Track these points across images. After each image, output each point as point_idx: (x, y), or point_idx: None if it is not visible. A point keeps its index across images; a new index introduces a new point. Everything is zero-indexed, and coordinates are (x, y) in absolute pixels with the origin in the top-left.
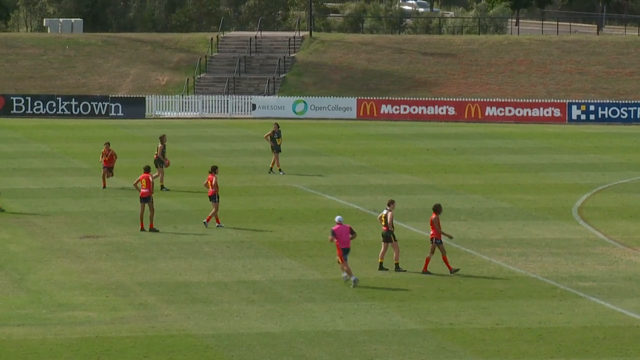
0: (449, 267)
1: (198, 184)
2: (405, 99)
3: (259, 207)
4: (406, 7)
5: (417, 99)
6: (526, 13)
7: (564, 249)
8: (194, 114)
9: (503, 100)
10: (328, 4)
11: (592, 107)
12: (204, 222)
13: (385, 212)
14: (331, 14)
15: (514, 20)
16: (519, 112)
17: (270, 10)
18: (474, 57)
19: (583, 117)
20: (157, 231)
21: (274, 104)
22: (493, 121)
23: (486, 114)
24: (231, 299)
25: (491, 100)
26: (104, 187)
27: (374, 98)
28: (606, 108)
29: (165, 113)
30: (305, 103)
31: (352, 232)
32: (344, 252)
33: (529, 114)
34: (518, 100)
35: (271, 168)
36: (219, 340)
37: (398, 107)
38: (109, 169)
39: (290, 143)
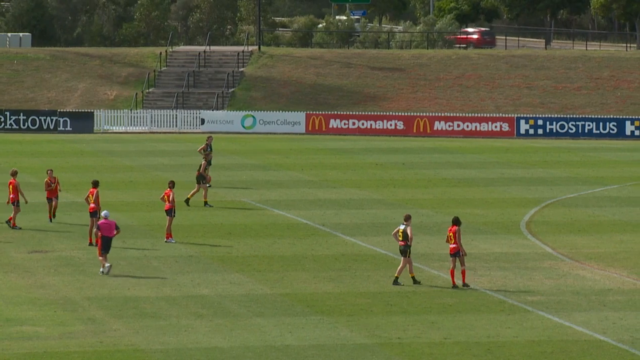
0: (454, 281)
1: (146, 198)
2: (354, 113)
3: (207, 221)
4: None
5: (366, 113)
6: (474, 27)
7: (512, 263)
8: (143, 128)
9: (451, 114)
10: (277, 18)
11: (540, 122)
12: (165, 241)
13: (402, 227)
14: (280, 29)
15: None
16: (467, 126)
17: (219, 25)
18: (423, 71)
19: (531, 131)
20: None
21: (223, 118)
22: (441, 135)
23: (435, 128)
24: (180, 314)
25: (440, 114)
26: (51, 220)
27: (323, 112)
28: (554, 122)
29: (114, 128)
30: (254, 117)
31: (117, 228)
32: (105, 245)
33: (478, 129)
34: (466, 115)
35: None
36: (167, 355)
37: (347, 122)
38: (50, 200)
39: (239, 158)
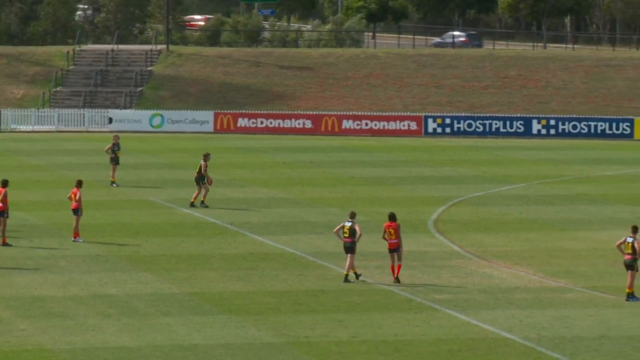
0: (395, 276)
1: (54, 197)
2: (263, 112)
3: (115, 220)
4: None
5: (274, 112)
6: (382, 27)
7: (420, 261)
8: (50, 127)
9: (360, 113)
10: (185, 17)
11: (447, 121)
12: (73, 240)
13: (348, 224)
14: (188, 28)
15: (371, 34)
16: (375, 125)
17: (128, 24)
18: (331, 70)
19: (439, 130)
20: (11, 245)
21: (131, 117)
22: (350, 134)
23: (343, 127)
24: (87, 313)
25: (348, 113)
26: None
27: (231, 111)
28: (462, 121)
29: (21, 127)
30: (162, 116)
31: None
32: None
33: (386, 127)
34: (375, 114)
35: (113, 181)
36: (74, 354)
37: (255, 121)
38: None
39: (147, 157)
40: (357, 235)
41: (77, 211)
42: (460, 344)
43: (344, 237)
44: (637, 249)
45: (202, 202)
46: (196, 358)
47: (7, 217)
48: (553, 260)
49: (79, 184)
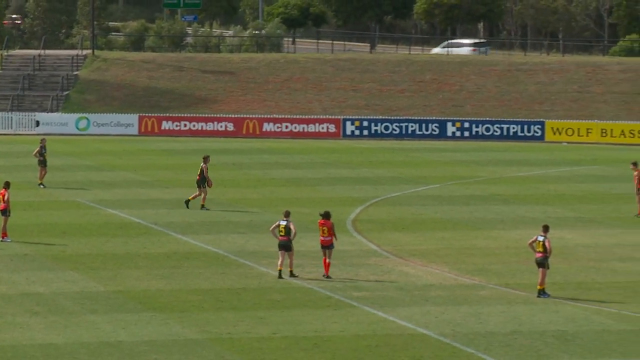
0: (327, 271)
1: None
2: (186, 115)
3: (42, 221)
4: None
5: (197, 115)
6: (302, 32)
7: (339, 260)
8: None
9: (280, 116)
10: (110, 23)
11: (365, 123)
12: (1, 240)
13: (284, 222)
14: (113, 33)
15: (291, 39)
16: (295, 127)
17: (54, 29)
18: (252, 74)
19: (357, 132)
20: None
21: (58, 120)
22: (270, 137)
23: (264, 129)
24: (15, 311)
25: (268, 116)
26: None
27: (155, 115)
28: (379, 124)
29: None
30: (88, 120)
31: None
32: None
33: (305, 130)
34: (294, 117)
35: (41, 182)
36: (2, 351)
37: (178, 124)
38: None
39: (74, 159)
40: (293, 234)
41: (5, 212)
42: (377, 340)
43: (280, 235)
44: (548, 247)
45: (202, 205)
46: (121, 354)
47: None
48: (467, 258)
49: (7, 185)
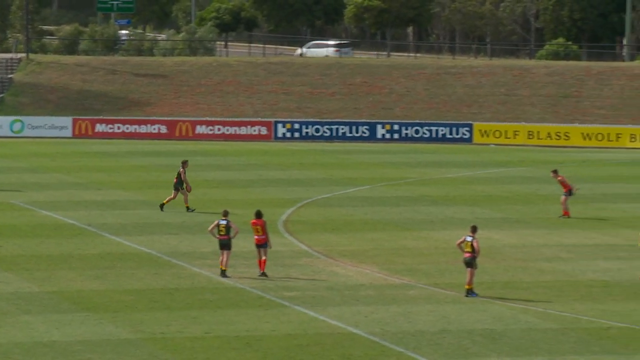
0: (262, 269)
1: None
2: (119, 118)
3: None
4: (122, 32)
5: (131, 118)
6: (234, 36)
7: (271, 260)
8: None
9: (212, 119)
10: (44, 26)
11: (296, 126)
12: None
13: (224, 222)
14: (47, 37)
15: (223, 43)
16: (227, 130)
17: None
18: (185, 77)
19: (288, 134)
20: None
21: None
22: (203, 139)
23: (197, 132)
24: None
25: (201, 119)
26: None
27: (89, 117)
28: (310, 126)
29: None
30: (23, 122)
31: None
32: None
33: (237, 132)
34: (227, 119)
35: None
36: None
37: (112, 126)
38: None
39: (8, 161)
40: (234, 232)
41: None
42: (308, 339)
43: (220, 234)
44: (476, 247)
45: (187, 207)
46: (55, 354)
47: None
48: (397, 258)
49: None
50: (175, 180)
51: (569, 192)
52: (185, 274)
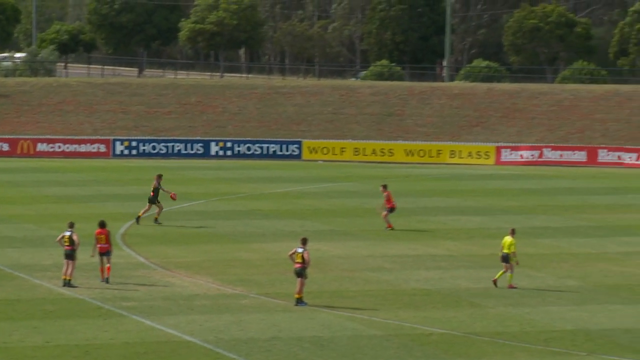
0: (103, 276)
1: None
2: None
3: None
4: None
5: None
6: (74, 58)
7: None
8: None
9: (53, 137)
10: None
11: (134, 143)
12: None
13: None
14: None
15: (64, 64)
16: (67, 147)
17: None
18: (26, 97)
19: (126, 152)
20: None
21: None
22: (44, 156)
23: (37, 149)
24: None
25: (42, 137)
26: None
27: None
28: (147, 144)
29: None
30: None
31: None
32: None
33: (77, 150)
34: (67, 137)
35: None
36: None
37: None
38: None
39: None
40: (76, 244)
41: None
42: (146, 347)
43: (65, 245)
44: (307, 258)
45: (156, 219)
46: None
47: None
48: (230, 269)
49: None
50: (152, 193)
51: (391, 209)
52: (27, 286)
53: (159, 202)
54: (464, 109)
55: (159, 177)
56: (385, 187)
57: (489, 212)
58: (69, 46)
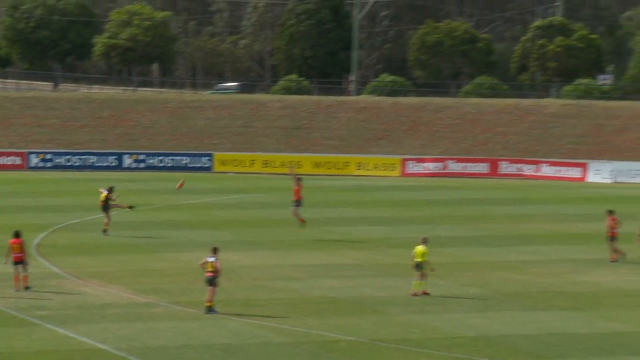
0: (18, 286)
1: None
2: None
3: None
4: None
5: None
6: None
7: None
8: None
9: None
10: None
11: (49, 156)
12: None
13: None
14: None
15: None
16: None
17: None
18: None
19: (41, 164)
20: None
21: None
22: None
23: None
24: None
25: None
26: None
27: None
28: (61, 156)
29: None
30: None
31: None
32: None
33: None
34: None
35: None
36: None
37: None
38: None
39: None
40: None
41: None
42: (59, 355)
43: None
44: (218, 267)
45: (104, 230)
46: None
47: None
48: (142, 279)
49: None
50: (101, 203)
51: (298, 203)
52: None
53: (108, 213)
54: (370, 122)
55: (111, 189)
56: (299, 179)
57: (394, 223)
58: None
